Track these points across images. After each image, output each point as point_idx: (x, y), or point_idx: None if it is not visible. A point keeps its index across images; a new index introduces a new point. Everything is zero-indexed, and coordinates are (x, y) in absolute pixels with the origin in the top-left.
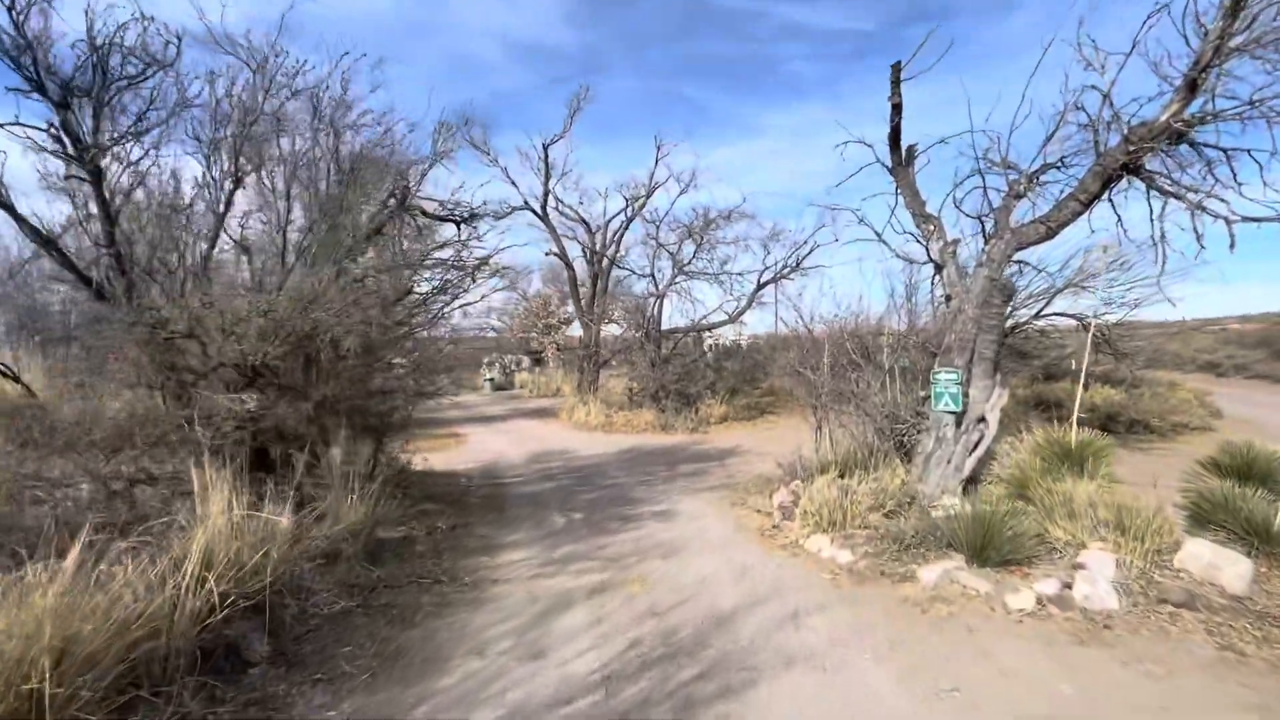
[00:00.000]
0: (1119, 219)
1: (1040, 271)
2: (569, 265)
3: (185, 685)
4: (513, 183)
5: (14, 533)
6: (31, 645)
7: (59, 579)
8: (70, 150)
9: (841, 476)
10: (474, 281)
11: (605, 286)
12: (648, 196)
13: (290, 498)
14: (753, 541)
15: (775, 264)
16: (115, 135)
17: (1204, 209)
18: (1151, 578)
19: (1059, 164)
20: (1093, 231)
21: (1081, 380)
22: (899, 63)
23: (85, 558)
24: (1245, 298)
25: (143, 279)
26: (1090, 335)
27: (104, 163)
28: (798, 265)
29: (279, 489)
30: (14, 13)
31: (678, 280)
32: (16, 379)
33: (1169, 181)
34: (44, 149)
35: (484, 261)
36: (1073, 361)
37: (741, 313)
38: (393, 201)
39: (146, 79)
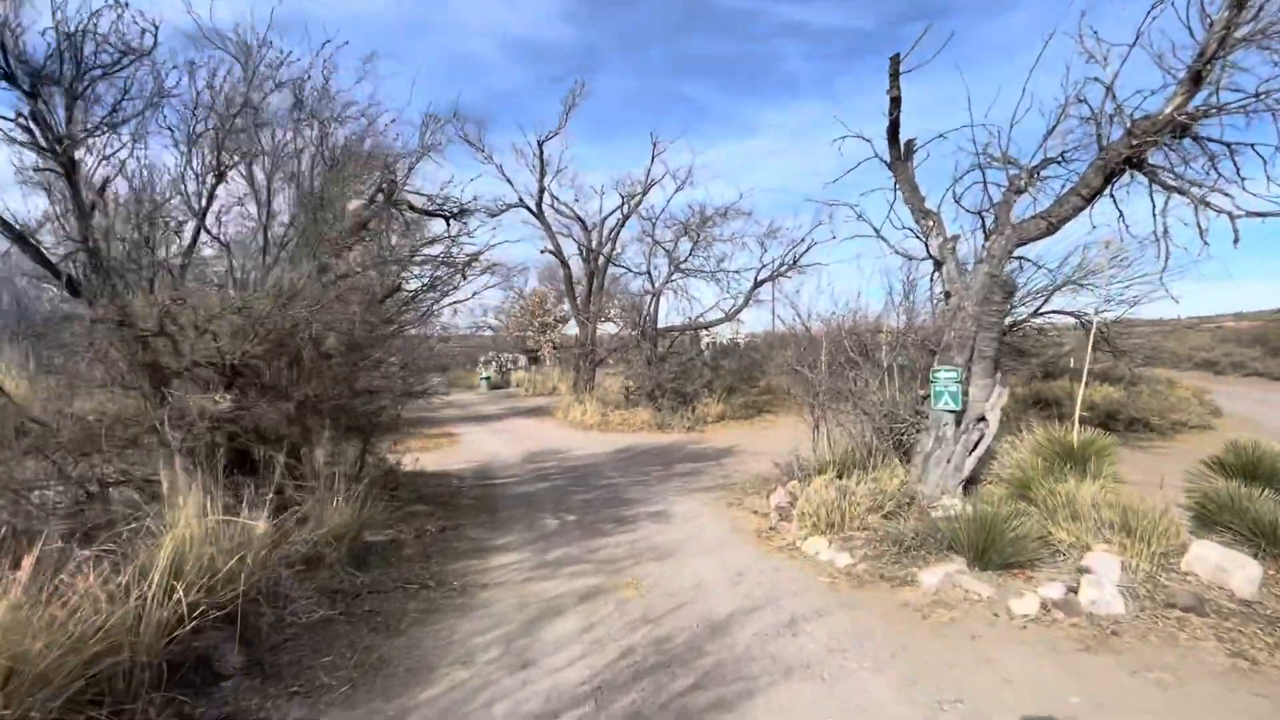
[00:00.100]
0: (1120, 214)
1: (1040, 268)
2: (564, 263)
3: (151, 701)
4: (508, 180)
5: None
6: None
7: (11, 591)
8: (42, 142)
9: (839, 477)
10: (464, 278)
11: (601, 284)
12: (644, 194)
13: (269, 501)
14: (749, 543)
15: (772, 262)
16: (88, 126)
17: (1208, 204)
18: (1158, 581)
19: (1059, 159)
20: (1094, 227)
21: (1084, 378)
22: (898, 55)
23: (44, 567)
24: (1240, 295)
25: (120, 275)
26: (1092, 333)
27: (78, 155)
28: (795, 263)
29: (259, 492)
30: None
31: (674, 278)
32: None
33: (1172, 176)
34: (15, 141)
35: (474, 258)
36: (1071, 359)
37: (738, 311)
38: (380, 196)
39: (122, 68)
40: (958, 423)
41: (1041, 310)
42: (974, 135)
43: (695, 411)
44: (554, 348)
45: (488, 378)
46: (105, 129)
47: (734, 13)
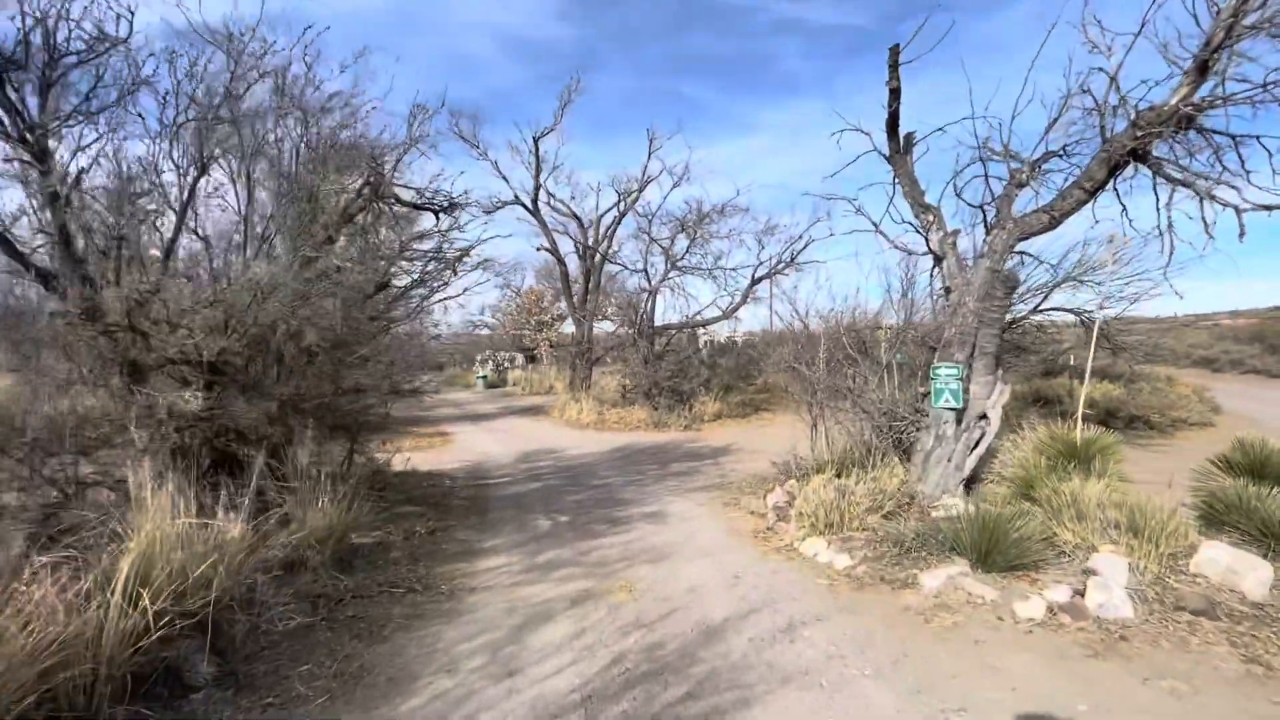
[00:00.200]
0: (1124, 209)
1: (1042, 263)
2: (561, 261)
3: (113, 715)
4: (503, 177)
5: None
6: None
7: None
8: (12, 130)
9: (838, 476)
10: (455, 274)
11: (598, 282)
12: (640, 190)
13: (248, 503)
14: (746, 545)
15: (770, 259)
16: (60, 114)
17: (1214, 197)
18: (1166, 583)
19: (1061, 152)
20: (1096, 221)
21: (1087, 376)
22: (897, 45)
23: None
24: (1237, 293)
25: (96, 268)
26: (1096, 331)
27: (52, 145)
28: (792, 260)
29: (239, 493)
30: None
31: (671, 276)
32: None
33: (1177, 168)
34: None
35: (465, 253)
36: (1070, 357)
37: (736, 308)
38: (367, 189)
39: (97, 56)
40: (959, 421)
41: (1041, 307)
42: (975, 128)
43: (692, 410)
44: (551, 346)
45: (484, 376)
46: (80, 118)
47: (731, 11)
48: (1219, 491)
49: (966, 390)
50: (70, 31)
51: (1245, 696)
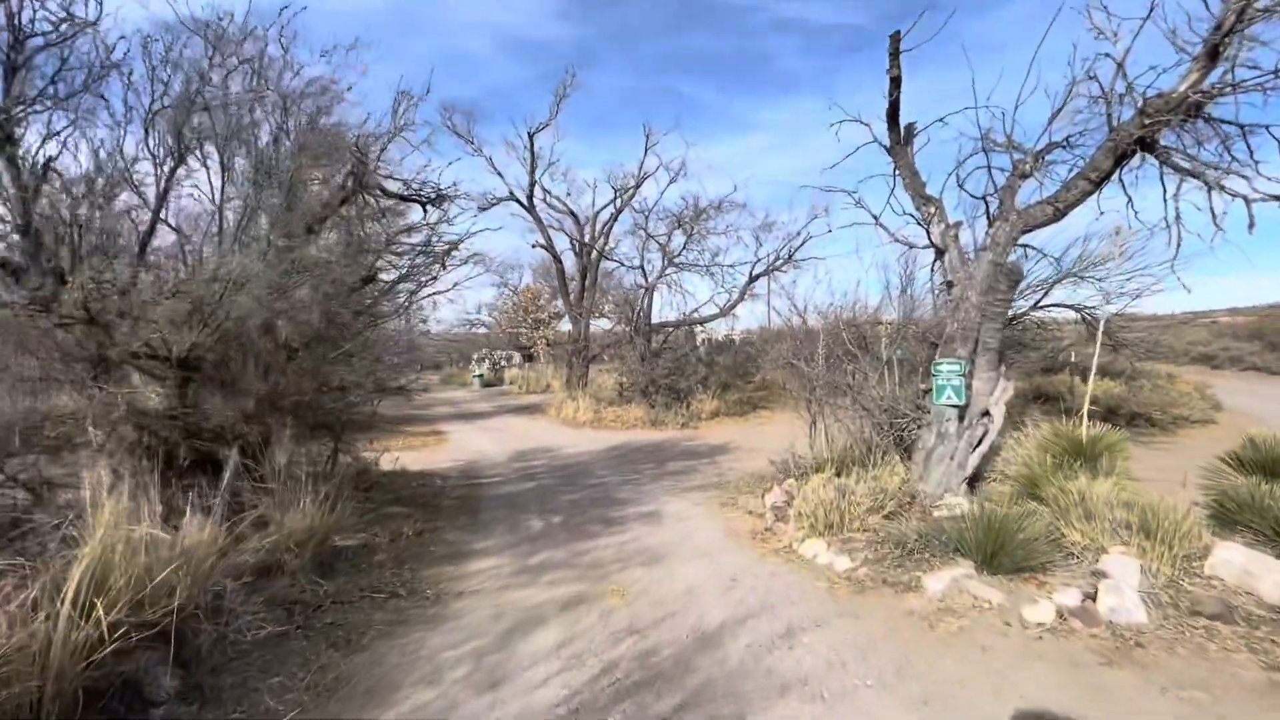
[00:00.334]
0: (1129, 200)
1: (1045, 256)
2: (557, 258)
3: None
4: (498, 173)
5: None
6: None
7: None
8: None
9: (838, 475)
10: (443, 268)
11: (594, 279)
12: (637, 186)
13: (218, 505)
14: (744, 546)
15: (768, 255)
16: (25, 99)
17: (1223, 187)
18: (1180, 586)
19: (1065, 143)
20: (1101, 213)
21: (1093, 373)
22: (898, 33)
23: None
24: (1235, 291)
25: (71, 261)
26: (1102, 327)
27: (18, 132)
28: (790, 257)
29: (216, 495)
30: None
31: (668, 272)
32: None
33: (1185, 158)
34: None
35: (454, 246)
36: (1071, 353)
37: (733, 305)
38: (350, 180)
39: (64, 39)
40: (961, 418)
41: (1041, 304)
42: (977, 118)
43: (689, 408)
44: (548, 344)
45: (481, 375)
46: (48, 103)
47: (729, 9)
48: (1231, 490)
49: (969, 387)
50: (35, 12)
51: (1271, 708)
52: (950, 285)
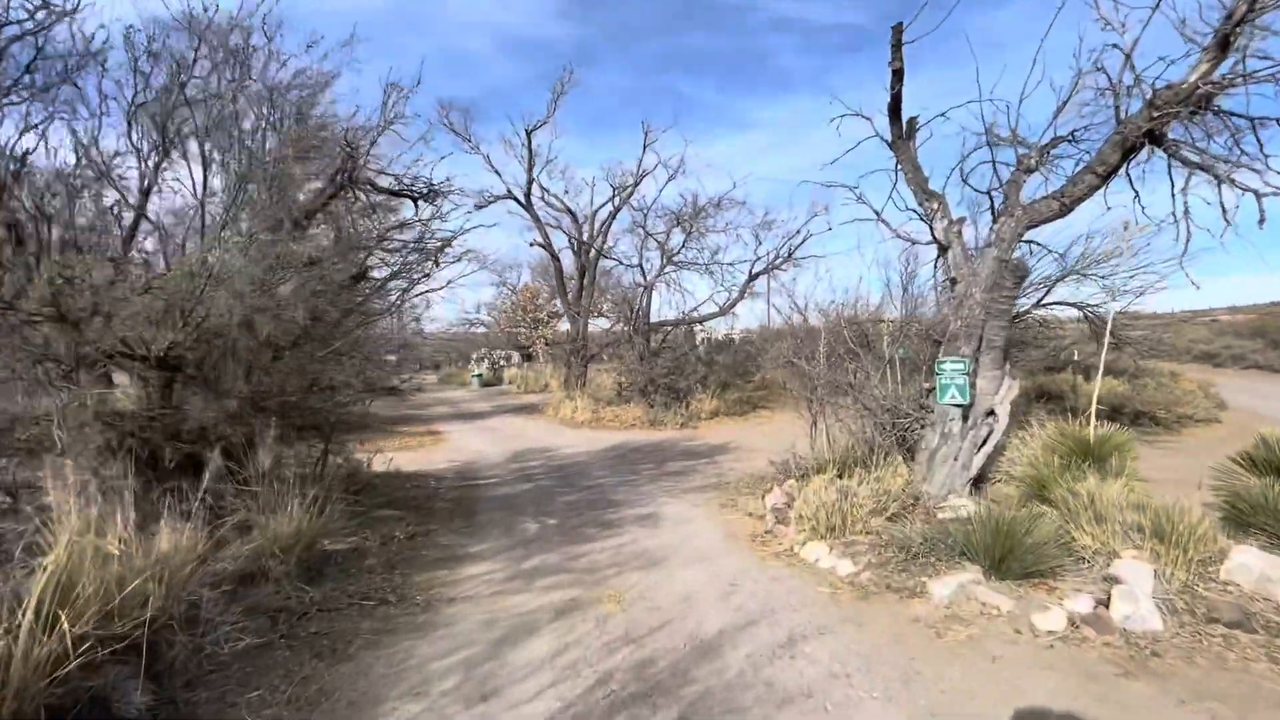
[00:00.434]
0: (1136, 195)
1: (1051, 253)
2: (555, 256)
3: None
4: (495, 171)
5: None
6: None
7: None
8: None
9: (840, 476)
10: (436, 265)
11: (593, 278)
12: (635, 184)
13: (197, 509)
14: (743, 549)
15: (768, 254)
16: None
17: (1233, 181)
18: (1196, 592)
19: (1070, 137)
20: (1108, 208)
21: (1100, 371)
22: (900, 24)
23: None
24: (1233, 290)
25: (38, 255)
26: (1110, 323)
27: None
28: (790, 255)
29: (198, 499)
30: None
31: (667, 271)
32: None
33: (1194, 151)
34: None
35: (447, 243)
36: (1074, 352)
37: (733, 304)
38: (340, 175)
39: (41, 28)
40: (965, 417)
41: (1044, 301)
42: (981, 111)
43: (689, 408)
44: (547, 344)
45: (480, 375)
46: (23, 93)
47: (728, 8)
48: (1244, 491)
49: (973, 385)
50: (10, 0)
51: None
52: (954, 282)
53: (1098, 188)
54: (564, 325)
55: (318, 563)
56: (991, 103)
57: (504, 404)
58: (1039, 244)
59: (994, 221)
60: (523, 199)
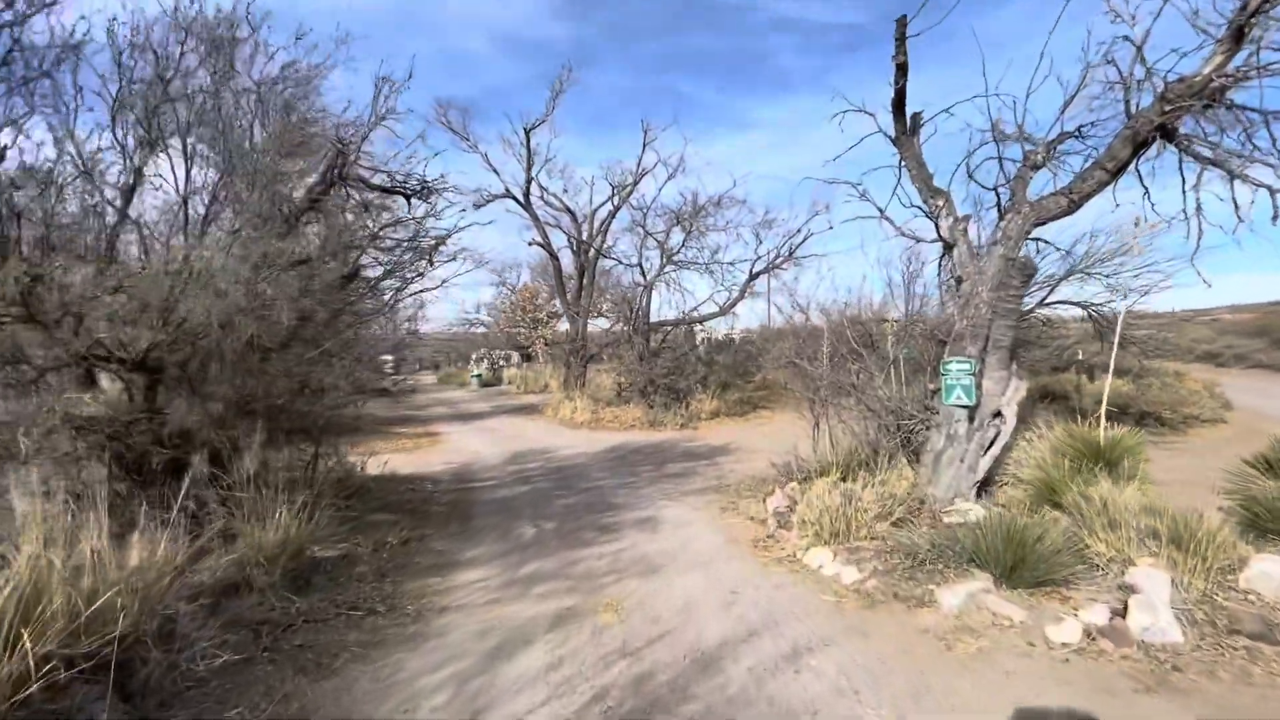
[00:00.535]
0: (1146, 191)
1: (1058, 250)
2: (554, 256)
3: None
4: (494, 170)
5: None
6: None
7: None
8: None
9: (843, 479)
10: (430, 264)
11: (592, 278)
12: (635, 183)
13: (176, 518)
14: (745, 555)
15: (768, 253)
16: None
17: (1246, 177)
18: (1215, 601)
19: (1077, 133)
20: (1117, 205)
21: (1110, 371)
22: (904, 17)
23: None
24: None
25: (19, 255)
26: (1120, 322)
27: None
28: (791, 254)
29: (178, 507)
30: None
31: (666, 270)
32: None
33: (1206, 146)
34: None
35: (441, 241)
36: (1079, 351)
37: (734, 304)
38: (331, 172)
39: (19, 20)
40: (971, 419)
41: (1048, 300)
42: (987, 106)
43: (689, 408)
44: (546, 344)
45: (479, 375)
46: (1, 86)
47: (728, 8)
48: (1260, 496)
49: (979, 386)
50: None
51: None
52: (959, 281)
53: (1107, 184)
54: (563, 325)
55: (306, 571)
56: (998, 98)
57: (503, 404)
58: (1047, 241)
59: (1000, 219)
60: (521, 198)
